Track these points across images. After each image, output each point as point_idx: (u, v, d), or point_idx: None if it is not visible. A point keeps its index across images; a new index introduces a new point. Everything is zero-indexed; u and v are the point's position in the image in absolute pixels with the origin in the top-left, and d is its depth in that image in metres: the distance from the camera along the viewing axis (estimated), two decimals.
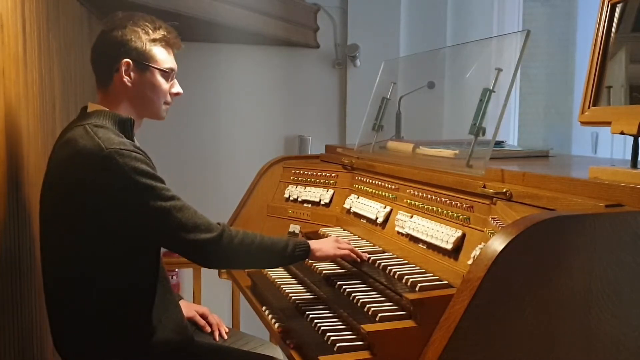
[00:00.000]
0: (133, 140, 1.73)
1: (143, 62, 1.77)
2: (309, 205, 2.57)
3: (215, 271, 2.72)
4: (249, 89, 4.21)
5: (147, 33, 1.78)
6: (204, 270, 3.08)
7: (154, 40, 1.79)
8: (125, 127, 1.73)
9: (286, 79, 4.42)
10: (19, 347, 1.92)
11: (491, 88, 1.77)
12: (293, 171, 2.74)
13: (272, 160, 2.82)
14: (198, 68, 3.93)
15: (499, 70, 1.75)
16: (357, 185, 2.42)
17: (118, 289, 1.68)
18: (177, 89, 1.87)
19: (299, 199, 2.61)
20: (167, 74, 1.82)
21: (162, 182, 1.65)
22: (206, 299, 3.09)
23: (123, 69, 1.75)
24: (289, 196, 2.66)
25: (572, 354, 1.20)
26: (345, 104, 4.48)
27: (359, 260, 1.92)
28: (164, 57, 1.81)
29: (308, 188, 2.62)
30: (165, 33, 1.82)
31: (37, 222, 2.10)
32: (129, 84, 1.76)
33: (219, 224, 1.72)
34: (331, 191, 2.53)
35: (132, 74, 1.76)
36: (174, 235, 1.64)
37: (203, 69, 3.97)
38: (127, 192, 1.59)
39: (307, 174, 2.67)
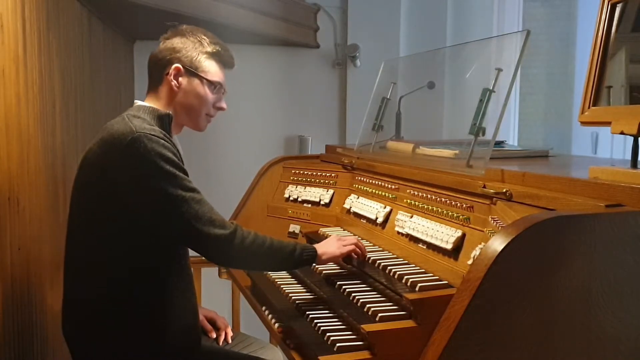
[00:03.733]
0: (169, 135, 1.77)
1: (192, 70, 1.84)
2: (309, 205, 2.56)
3: (215, 271, 2.72)
4: (249, 89, 4.21)
5: (202, 45, 1.88)
6: (204, 269, 3.08)
7: (207, 53, 1.87)
8: (163, 122, 1.79)
9: (286, 79, 4.43)
10: (19, 346, 1.92)
11: (491, 88, 1.76)
12: (293, 171, 2.74)
13: (272, 160, 2.82)
14: None
15: (499, 70, 1.75)
16: (357, 185, 2.41)
17: (131, 280, 1.70)
18: (222, 104, 1.94)
19: (299, 199, 2.61)
20: (213, 86, 1.88)
21: (186, 174, 1.68)
22: (206, 299, 3.08)
23: (173, 73, 1.82)
24: (289, 196, 2.66)
25: (572, 354, 1.20)
26: (345, 104, 4.48)
27: (363, 255, 1.92)
28: (213, 70, 1.89)
29: (308, 188, 2.61)
30: (220, 49, 1.90)
31: (36, 220, 2.10)
32: (176, 88, 1.84)
33: (232, 223, 1.73)
34: (331, 191, 2.53)
35: (180, 79, 1.84)
36: (187, 224, 1.64)
37: None
38: (149, 176, 1.62)
39: (307, 174, 2.67)
